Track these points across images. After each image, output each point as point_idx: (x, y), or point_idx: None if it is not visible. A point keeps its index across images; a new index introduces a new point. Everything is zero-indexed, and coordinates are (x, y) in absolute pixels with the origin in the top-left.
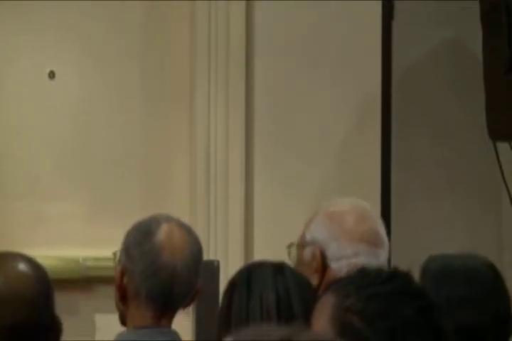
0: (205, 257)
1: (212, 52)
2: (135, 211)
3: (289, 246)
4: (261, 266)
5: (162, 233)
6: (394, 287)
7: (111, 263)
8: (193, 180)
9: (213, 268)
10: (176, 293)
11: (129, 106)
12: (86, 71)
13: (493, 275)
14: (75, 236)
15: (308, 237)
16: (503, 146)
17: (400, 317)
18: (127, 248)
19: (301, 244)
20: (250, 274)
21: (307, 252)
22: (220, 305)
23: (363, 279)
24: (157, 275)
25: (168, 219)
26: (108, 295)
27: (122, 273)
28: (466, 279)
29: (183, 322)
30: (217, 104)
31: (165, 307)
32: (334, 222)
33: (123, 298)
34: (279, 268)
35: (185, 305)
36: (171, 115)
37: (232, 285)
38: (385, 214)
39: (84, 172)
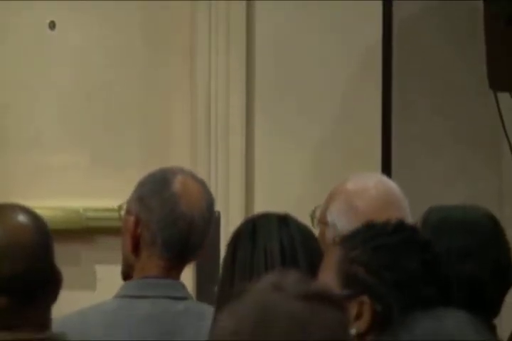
0: None
1: (212, 3)
2: (136, 163)
3: (313, 214)
4: (265, 217)
5: (178, 182)
6: (399, 239)
7: (112, 214)
8: (193, 132)
9: (214, 219)
10: (192, 243)
11: (130, 58)
12: (86, 21)
13: (494, 226)
14: (76, 187)
15: (329, 219)
16: (503, 96)
17: (405, 269)
18: (142, 197)
19: (324, 222)
20: (254, 226)
21: (329, 234)
22: (223, 257)
23: (368, 231)
24: (175, 224)
25: (182, 170)
26: (109, 246)
27: (136, 223)
28: (466, 230)
29: (184, 273)
30: (218, 59)
31: (179, 257)
32: (354, 211)
33: (135, 248)
34: (283, 219)
35: (194, 259)
36: (172, 67)
37: (236, 236)
38: (386, 168)
39: (85, 123)
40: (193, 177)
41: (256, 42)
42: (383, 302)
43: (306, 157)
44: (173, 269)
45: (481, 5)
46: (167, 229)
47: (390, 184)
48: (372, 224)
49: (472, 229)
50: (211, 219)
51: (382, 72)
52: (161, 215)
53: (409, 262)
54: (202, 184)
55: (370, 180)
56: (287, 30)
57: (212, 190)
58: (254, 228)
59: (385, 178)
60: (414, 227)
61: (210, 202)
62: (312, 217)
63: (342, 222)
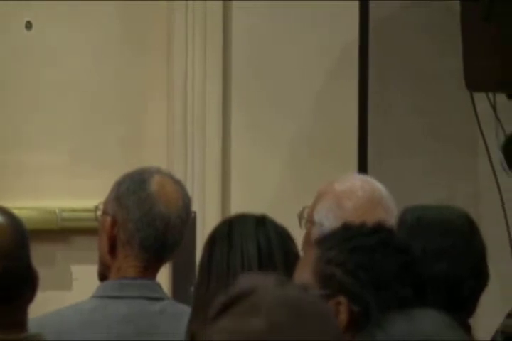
0: None
1: (189, 3)
2: (112, 163)
3: (300, 214)
4: (242, 218)
5: (156, 182)
6: (377, 240)
7: (88, 214)
8: (170, 132)
9: (191, 219)
10: (169, 243)
11: (107, 57)
12: (63, 21)
13: (469, 226)
14: (52, 188)
15: (316, 218)
16: (479, 96)
17: (381, 270)
18: (118, 198)
19: (311, 221)
20: (231, 226)
21: (315, 233)
22: (200, 258)
23: (346, 232)
24: (153, 225)
25: (159, 170)
26: (85, 246)
27: (113, 223)
28: (441, 230)
29: (160, 273)
30: (195, 58)
31: (156, 258)
32: (341, 210)
33: (112, 249)
34: (260, 220)
35: (170, 259)
36: (148, 66)
37: (213, 237)
38: (362, 166)
39: (62, 123)
40: (170, 177)
41: (232, 41)
42: (360, 303)
43: (282, 156)
44: (149, 269)
45: (457, 4)
46: (144, 229)
47: (377, 185)
48: (350, 225)
49: (448, 228)
50: (188, 220)
51: (359, 70)
52: (138, 215)
53: (386, 263)
54: (179, 184)
55: (357, 180)
56: (264, 29)
57: (189, 190)
58: (230, 229)
59: (371, 179)
60: (392, 229)
61: (186, 203)
62: (300, 217)
63: (329, 221)
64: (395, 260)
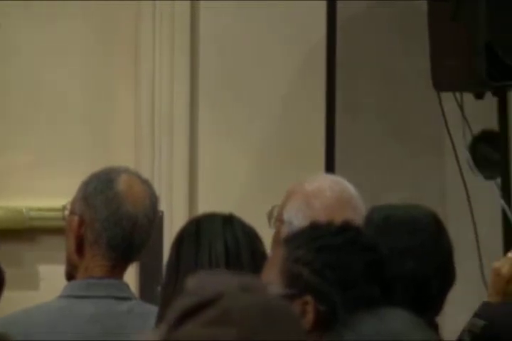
0: None
1: (157, 3)
2: (79, 162)
3: (270, 213)
4: (210, 217)
5: (123, 182)
6: (344, 239)
7: (55, 214)
8: (137, 132)
9: (158, 218)
10: (136, 242)
11: (74, 56)
12: (30, 21)
13: (436, 225)
14: (19, 187)
15: (285, 217)
16: (446, 96)
17: (348, 269)
18: (86, 197)
19: (280, 220)
20: (199, 225)
21: (284, 232)
22: (168, 257)
23: (313, 231)
24: (120, 224)
25: (127, 170)
26: (52, 245)
27: (80, 223)
28: (408, 229)
29: (127, 273)
30: (162, 58)
31: (123, 257)
32: (310, 209)
33: (79, 248)
34: (227, 219)
35: (137, 259)
36: (116, 66)
37: (181, 237)
38: (329, 166)
39: (29, 122)
40: (138, 176)
41: (200, 41)
42: (326, 302)
43: (250, 156)
44: (116, 269)
45: (425, 4)
46: (111, 228)
47: (346, 184)
48: (317, 224)
49: (415, 228)
50: (155, 219)
51: (326, 69)
52: (106, 215)
53: (353, 262)
54: (146, 184)
55: (326, 180)
56: (231, 29)
57: (156, 190)
58: (198, 228)
59: (341, 179)
60: (359, 228)
61: (154, 202)
62: (269, 216)
63: (298, 220)
64: (362, 259)
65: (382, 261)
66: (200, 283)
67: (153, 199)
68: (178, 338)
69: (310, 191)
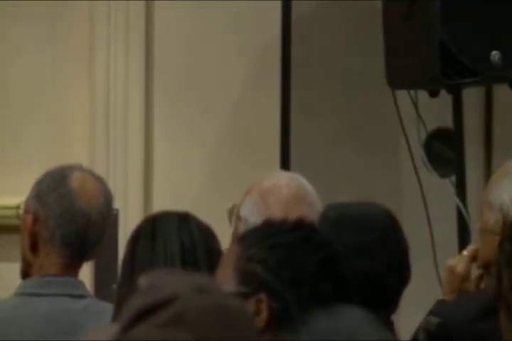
0: None
1: (112, 3)
2: (34, 161)
3: (231, 210)
4: (165, 215)
5: (76, 179)
6: (297, 236)
7: (10, 212)
8: (92, 129)
9: (112, 215)
10: (90, 240)
11: (28, 55)
12: None
13: (391, 222)
14: None
15: (242, 214)
16: (401, 94)
17: (302, 267)
18: (39, 195)
19: (238, 216)
20: (155, 223)
21: (241, 229)
22: (123, 255)
23: (267, 229)
24: (73, 221)
25: (81, 167)
26: (8, 244)
27: (34, 221)
28: (363, 227)
29: (82, 271)
30: (117, 56)
31: (77, 255)
32: (265, 206)
33: (33, 246)
34: (183, 217)
35: (92, 257)
36: (71, 64)
37: (136, 235)
38: (284, 164)
39: None
40: (91, 174)
41: (155, 39)
42: (280, 300)
43: (205, 154)
44: (71, 267)
45: (379, 3)
46: (65, 225)
47: (303, 181)
48: (271, 221)
49: (369, 225)
50: (109, 216)
51: (281, 70)
52: (59, 212)
53: (307, 260)
54: (100, 181)
55: (283, 177)
56: (186, 27)
57: (111, 187)
58: (154, 226)
59: (298, 176)
60: (313, 225)
61: (108, 199)
62: (229, 214)
63: (254, 216)
64: (316, 256)
65: (337, 259)
66: (154, 283)
67: (108, 197)
68: (131, 339)
69: (266, 187)
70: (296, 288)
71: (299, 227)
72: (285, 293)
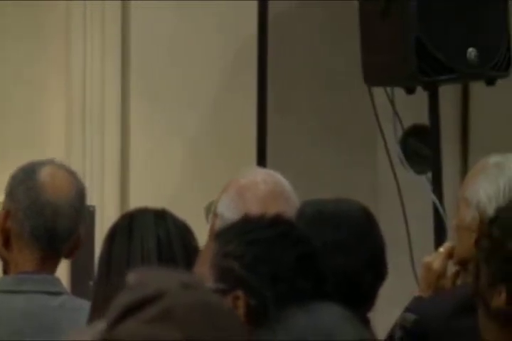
0: None
1: (87, 3)
2: (8, 158)
3: (208, 207)
4: (142, 212)
5: (45, 171)
6: (275, 233)
7: None
8: (69, 125)
9: (89, 213)
10: (60, 232)
11: (4, 53)
12: None
13: (367, 219)
14: None
15: (219, 211)
16: (378, 91)
17: (279, 263)
18: (11, 190)
19: (215, 213)
20: (131, 221)
21: (217, 225)
22: (100, 252)
23: (244, 225)
24: (41, 212)
25: (53, 161)
26: None
27: (6, 216)
28: (340, 223)
29: (59, 268)
30: (93, 54)
31: (49, 248)
32: (242, 202)
33: (6, 242)
34: (160, 214)
35: (69, 253)
36: (47, 63)
37: (113, 232)
38: (261, 161)
39: None
40: (63, 168)
41: (131, 36)
42: (257, 297)
43: (182, 152)
44: (46, 262)
45: (356, 2)
46: (33, 218)
47: (280, 178)
48: (249, 217)
49: (346, 222)
50: (82, 210)
51: (258, 66)
52: (27, 204)
53: (284, 256)
54: (72, 175)
55: (260, 173)
56: (163, 26)
57: (87, 184)
58: (130, 223)
59: (275, 173)
60: (291, 221)
61: (80, 193)
62: (207, 211)
63: (231, 213)
64: (294, 252)
65: (315, 255)
66: (141, 280)
67: (80, 190)
68: (119, 335)
69: (243, 184)
70: (273, 284)
71: (277, 223)
72: (262, 290)
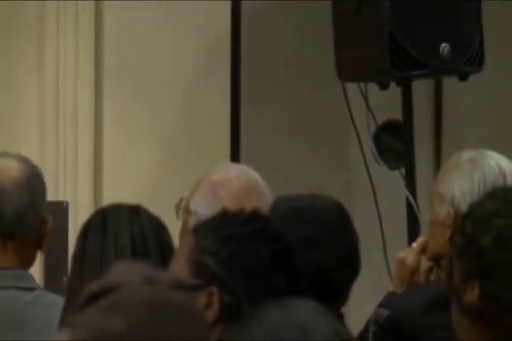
0: (54, 198)
1: (61, 3)
2: None
3: (178, 204)
4: (116, 208)
5: None
6: (250, 229)
7: None
8: (43, 122)
9: (62, 208)
10: (7, 214)
11: None
12: None
13: (340, 214)
14: None
15: (192, 207)
16: (351, 87)
17: (254, 259)
18: None
19: (187, 210)
20: (105, 216)
21: (191, 222)
22: (74, 248)
23: (220, 220)
24: None
25: (5, 152)
26: None
27: None
28: (313, 219)
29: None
30: (66, 51)
31: (6, 236)
32: (215, 198)
33: None
34: (134, 210)
35: (37, 244)
36: (20, 62)
37: (87, 227)
38: (234, 155)
39: None
40: (16, 156)
41: (104, 34)
42: (231, 293)
43: (155, 146)
44: (5, 253)
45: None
46: None
47: (253, 174)
48: (226, 213)
49: (319, 217)
50: (36, 193)
51: (231, 61)
52: None
53: (259, 252)
54: (24, 162)
55: (233, 169)
56: (136, 23)
57: (61, 179)
58: (104, 219)
59: (248, 168)
60: (268, 217)
61: (31, 176)
62: (177, 208)
63: (203, 209)
64: (269, 248)
65: (290, 251)
66: (112, 271)
67: (30, 176)
68: (76, 322)
69: (216, 180)
70: (248, 280)
71: (253, 219)
72: (236, 287)
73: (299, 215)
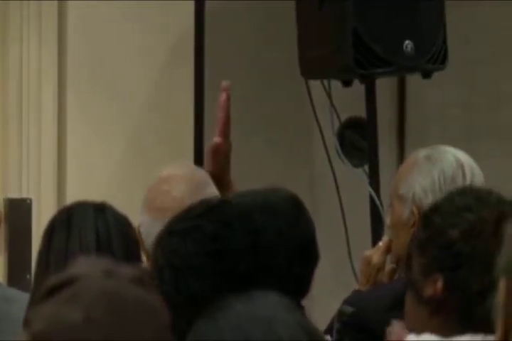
0: (18, 195)
1: (24, 3)
2: None
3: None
4: (81, 206)
5: None
6: (190, 225)
7: None
8: (5, 118)
9: (25, 205)
10: None
11: None
12: None
13: (295, 208)
14: None
15: (142, 230)
16: (314, 84)
17: (186, 257)
18: None
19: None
20: (71, 213)
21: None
22: (39, 246)
23: (180, 215)
24: None
25: None
26: None
27: None
28: (267, 213)
29: None
30: (30, 50)
31: None
32: (165, 197)
33: None
34: (100, 207)
35: None
36: None
37: (52, 224)
38: (198, 154)
39: None
40: None
41: (68, 30)
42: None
43: (119, 145)
44: None
45: None
46: None
47: (197, 170)
48: (190, 206)
49: (273, 212)
50: None
51: (195, 59)
52: None
53: (197, 250)
54: None
55: (179, 167)
56: (99, 19)
57: (24, 177)
58: (69, 216)
59: (192, 164)
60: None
61: None
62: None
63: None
64: (203, 247)
65: (229, 251)
66: (73, 265)
67: None
68: (35, 314)
69: (163, 178)
70: (176, 281)
71: (209, 211)
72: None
73: (253, 210)
